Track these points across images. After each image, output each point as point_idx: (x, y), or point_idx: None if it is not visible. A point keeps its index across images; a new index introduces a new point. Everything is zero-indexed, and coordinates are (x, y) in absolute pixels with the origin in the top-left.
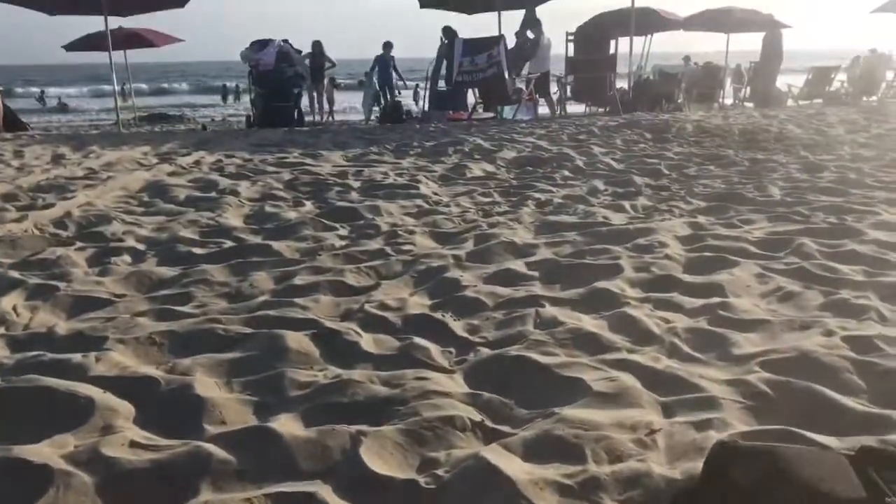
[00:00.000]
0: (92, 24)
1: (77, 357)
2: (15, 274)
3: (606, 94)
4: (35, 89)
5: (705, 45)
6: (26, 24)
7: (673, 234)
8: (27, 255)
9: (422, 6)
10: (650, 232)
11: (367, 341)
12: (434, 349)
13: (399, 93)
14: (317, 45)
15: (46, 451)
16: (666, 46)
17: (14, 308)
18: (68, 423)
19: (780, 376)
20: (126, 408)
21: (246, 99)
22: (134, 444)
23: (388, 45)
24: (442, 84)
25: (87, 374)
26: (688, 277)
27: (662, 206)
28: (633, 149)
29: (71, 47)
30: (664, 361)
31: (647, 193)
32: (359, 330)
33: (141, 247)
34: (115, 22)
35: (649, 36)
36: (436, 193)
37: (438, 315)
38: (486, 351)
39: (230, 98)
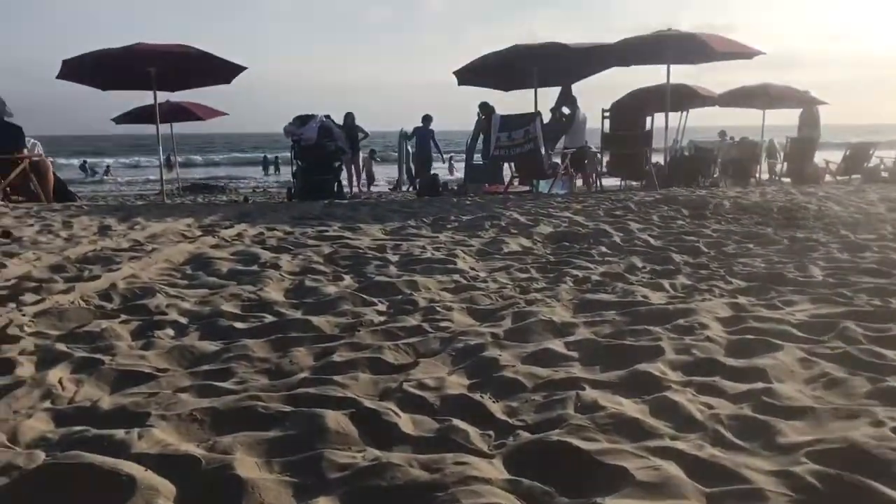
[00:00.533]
0: (140, 96)
1: (120, 433)
2: (62, 346)
3: (642, 169)
4: (78, 160)
5: (741, 120)
6: (75, 97)
7: (713, 315)
8: (73, 327)
9: (460, 83)
10: (690, 313)
11: (406, 422)
12: (473, 432)
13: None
14: (349, 117)
15: None
16: (701, 121)
17: (60, 381)
18: (110, 501)
19: (828, 468)
20: (167, 487)
21: (285, 170)
22: None
23: (427, 119)
24: (478, 157)
25: (129, 451)
26: (730, 361)
27: (702, 285)
28: (670, 225)
29: (120, 120)
30: (708, 450)
31: (686, 272)
32: (397, 410)
33: (183, 320)
34: (163, 96)
35: (685, 112)
36: (473, 269)
37: (477, 396)
38: (525, 435)
39: (270, 169)
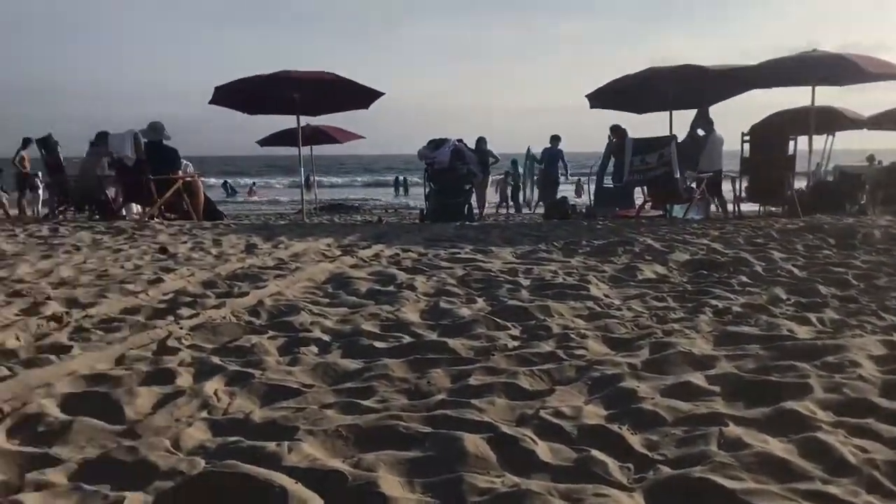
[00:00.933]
0: (281, 121)
1: (271, 446)
2: (216, 359)
3: (784, 195)
4: (219, 180)
5: (893, 143)
6: (220, 121)
7: (866, 352)
8: (226, 341)
9: (592, 107)
10: (840, 349)
11: (544, 450)
12: (612, 464)
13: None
14: (481, 142)
15: None
16: (848, 144)
17: (215, 393)
18: None
19: None
20: (316, 500)
21: (413, 191)
22: None
23: (556, 139)
24: (608, 181)
25: (280, 463)
26: (885, 403)
27: (852, 320)
28: (815, 255)
29: (264, 142)
30: (864, 497)
31: (835, 305)
32: (534, 437)
33: (326, 338)
34: (304, 119)
35: (830, 136)
36: (606, 295)
37: (615, 427)
38: (666, 470)
39: (401, 190)
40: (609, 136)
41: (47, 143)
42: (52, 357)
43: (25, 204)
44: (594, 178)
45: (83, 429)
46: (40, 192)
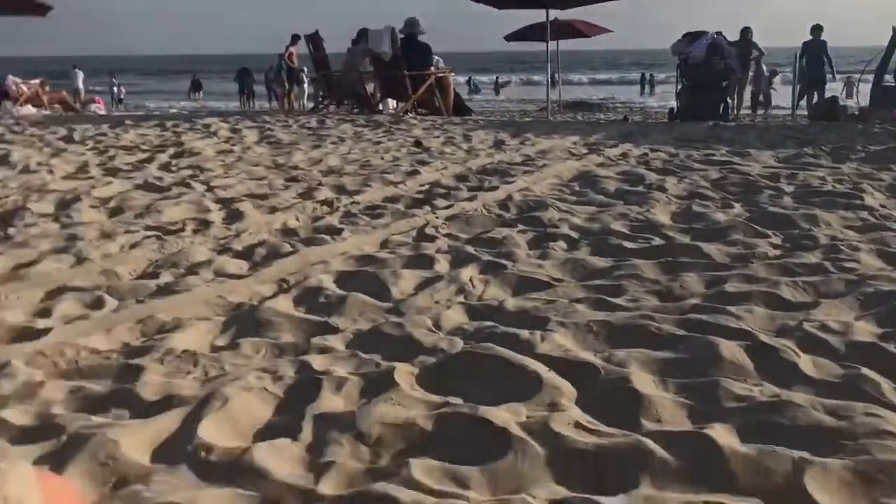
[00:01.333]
0: (527, 16)
1: (525, 333)
2: (470, 249)
3: None
4: (464, 77)
5: None
6: (465, 16)
7: None
8: (478, 232)
9: None
10: None
11: (806, 363)
12: (886, 385)
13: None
14: (746, 32)
15: (505, 416)
16: None
17: (470, 279)
18: (519, 393)
19: None
20: (569, 389)
21: (660, 89)
22: (578, 426)
23: (817, 29)
24: (889, 79)
25: (533, 350)
26: None
27: None
28: None
29: (511, 37)
30: None
31: None
32: (796, 349)
33: (574, 235)
34: (552, 14)
35: None
36: (883, 206)
37: (891, 347)
38: None
39: (647, 88)
40: (894, 28)
41: (315, 40)
42: (327, 237)
43: (293, 97)
44: (868, 76)
45: (356, 303)
46: (305, 86)
